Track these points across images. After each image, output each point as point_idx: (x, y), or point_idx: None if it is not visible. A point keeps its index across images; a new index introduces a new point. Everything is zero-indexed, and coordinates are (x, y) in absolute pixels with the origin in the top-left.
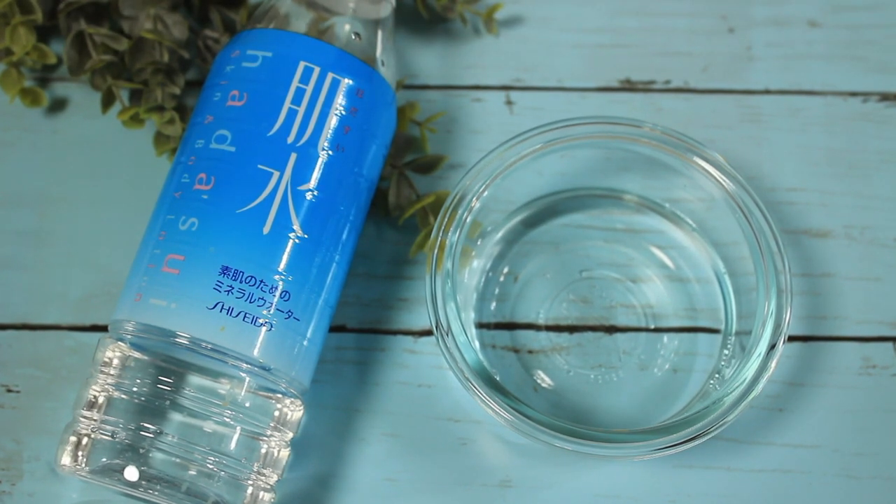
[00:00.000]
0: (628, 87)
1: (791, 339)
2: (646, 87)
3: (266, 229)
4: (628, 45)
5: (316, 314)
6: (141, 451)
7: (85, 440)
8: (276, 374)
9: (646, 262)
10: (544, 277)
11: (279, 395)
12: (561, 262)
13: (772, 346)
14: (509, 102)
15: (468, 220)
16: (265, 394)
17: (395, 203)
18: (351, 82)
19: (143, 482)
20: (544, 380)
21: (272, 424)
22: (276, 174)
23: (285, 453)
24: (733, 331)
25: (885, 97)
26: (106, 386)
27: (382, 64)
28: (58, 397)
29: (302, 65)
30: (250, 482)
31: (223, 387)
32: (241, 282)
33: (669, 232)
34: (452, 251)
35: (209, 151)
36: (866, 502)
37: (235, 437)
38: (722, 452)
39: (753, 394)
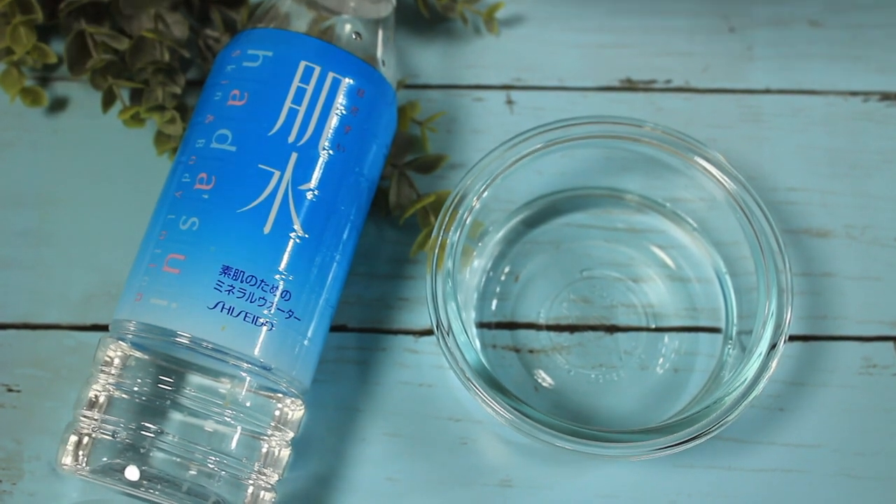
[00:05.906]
0: (629, 86)
1: (792, 338)
2: (646, 87)
3: (267, 229)
4: (629, 44)
5: (317, 314)
6: (142, 450)
7: (86, 440)
8: (276, 374)
9: (646, 262)
10: (545, 277)
11: (280, 395)
12: (561, 261)
13: (772, 346)
14: (510, 102)
15: (469, 219)
16: (266, 393)
17: (395, 202)
18: (352, 82)
19: (144, 482)
20: (545, 379)
21: (273, 424)
22: (277, 174)
23: (286, 453)
24: (734, 330)
25: (885, 97)
26: (107, 385)
27: (383, 63)
28: (58, 397)
29: (303, 64)
30: (251, 482)
31: (224, 386)
32: (241, 281)
33: (670, 231)
34: (453, 251)
35: (210, 151)
36: (867, 502)
37: (236, 436)
38: (723, 452)
39: (754, 393)
